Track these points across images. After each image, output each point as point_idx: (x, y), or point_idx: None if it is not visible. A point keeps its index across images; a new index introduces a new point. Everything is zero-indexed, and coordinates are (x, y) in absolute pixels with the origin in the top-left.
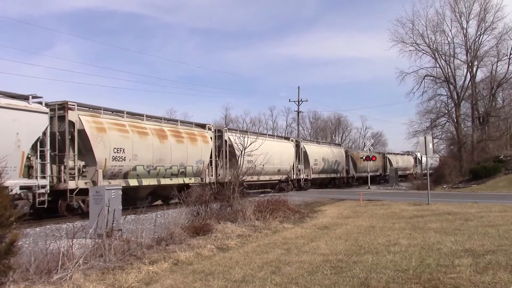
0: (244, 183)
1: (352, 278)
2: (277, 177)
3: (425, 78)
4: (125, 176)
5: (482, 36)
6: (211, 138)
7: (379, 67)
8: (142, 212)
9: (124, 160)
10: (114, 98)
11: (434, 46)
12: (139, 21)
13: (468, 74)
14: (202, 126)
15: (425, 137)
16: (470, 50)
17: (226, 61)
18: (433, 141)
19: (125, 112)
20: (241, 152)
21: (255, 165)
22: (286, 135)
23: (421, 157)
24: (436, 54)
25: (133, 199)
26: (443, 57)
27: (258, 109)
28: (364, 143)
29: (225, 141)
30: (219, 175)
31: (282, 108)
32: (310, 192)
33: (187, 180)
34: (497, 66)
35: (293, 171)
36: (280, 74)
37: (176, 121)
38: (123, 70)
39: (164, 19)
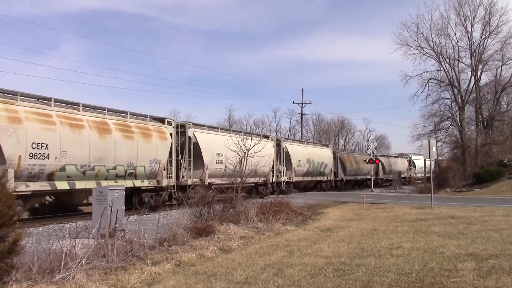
0: (212, 186)
1: (355, 281)
2: (253, 180)
3: (429, 81)
4: (50, 177)
5: (486, 39)
6: (171, 134)
7: (383, 70)
8: (145, 212)
9: (48, 158)
10: (118, 98)
11: (438, 49)
12: (143, 22)
13: (473, 77)
14: (160, 120)
15: (428, 141)
16: (474, 54)
17: (230, 63)
18: (436, 144)
19: (52, 100)
20: (245, 154)
21: (225, 166)
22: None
23: (414, 160)
24: (441, 57)
25: (69, 206)
26: (448, 61)
27: (261, 111)
28: (368, 146)
29: (189, 138)
30: (183, 177)
31: (285, 110)
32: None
33: (138, 183)
34: (501, 70)
35: (273, 173)
36: (284, 76)
37: (126, 113)
38: (127, 70)
39: (168, 20)
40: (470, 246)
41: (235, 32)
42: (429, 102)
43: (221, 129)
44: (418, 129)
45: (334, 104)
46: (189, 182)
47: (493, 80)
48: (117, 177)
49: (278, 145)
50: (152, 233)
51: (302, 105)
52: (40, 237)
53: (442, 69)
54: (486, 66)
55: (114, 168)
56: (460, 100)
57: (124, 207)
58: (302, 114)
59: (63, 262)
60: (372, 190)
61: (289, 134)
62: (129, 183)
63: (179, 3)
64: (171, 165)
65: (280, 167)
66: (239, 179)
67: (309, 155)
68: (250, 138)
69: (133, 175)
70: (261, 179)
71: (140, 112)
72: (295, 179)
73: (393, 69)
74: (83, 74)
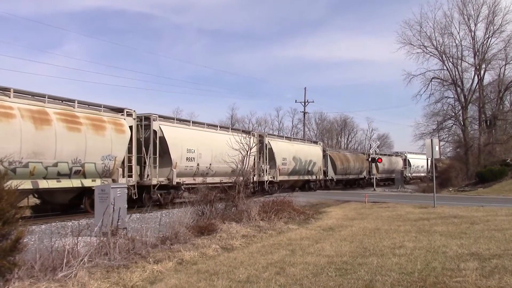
0: (182, 186)
1: (357, 280)
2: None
3: (432, 80)
4: None
5: (490, 39)
6: (131, 127)
7: (386, 69)
8: (147, 211)
9: None
10: (122, 97)
11: (441, 48)
12: (147, 21)
13: (476, 77)
14: (118, 110)
15: (431, 140)
16: (478, 53)
17: (233, 62)
18: (439, 143)
19: None
20: (247, 153)
21: (198, 164)
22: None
23: (408, 159)
24: (444, 56)
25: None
26: (451, 60)
27: (264, 110)
28: (370, 144)
29: (154, 132)
30: (148, 175)
31: (288, 109)
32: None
33: (88, 183)
34: (505, 69)
35: (254, 171)
36: (286, 75)
37: (73, 101)
38: (130, 69)
39: (172, 19)
40: (473, 246)
41: (238, 32)
42: (432, 101)
43: (193, 122)
44: (421, 128)
45: (336, 103)
46: (154, 182)
47: (496, 79)
48: (60, 175)
49: (261, 141)
50: (154, 232)
51: (304, 104)
52: (42, 235)
53: (445, 68)
54: (489, 65)
55: (55, 165)
56: (463, 99)
57: (126, 205)
58: (304, 113)
59: (65, 260)
60: (374, 189)
61: (292, 133)
62: (76, 182)
63: (183, 2)
64: (130, 162)
65: (263, 165)
66: (241, 178)
67: (296, 153)
68: (227, 133)
69: (81, 173)
70: (241, 178)
71: (93, 102)
72: (280, 178)
73: (396, 68)
74: (87, 73)
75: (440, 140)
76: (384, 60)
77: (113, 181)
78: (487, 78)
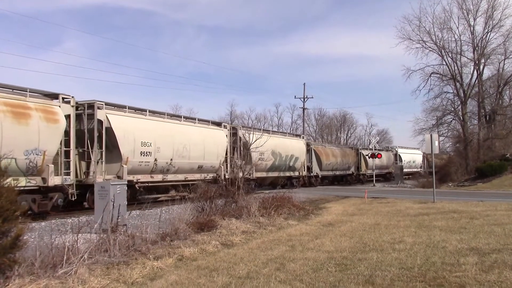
0: (136, 185)
1: (357, 276)
2: (198, 176)
3: (432, 75)
4: None
5: (489, 33)
6: (68, 116)
7: (385, 65)
8: (147, 207)
9: None
10: (122, 93)
11: (440, 43)
12: (147, 17)
13: (475, 71)
14: (52, 96)
15: (431, 135)
16: (477, 48)
17: (233, 58)
18: (439, 139)
19: None
20: (249, 146)
21: (155, 159)
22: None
23: (399, 154)
24: (443, 51)
25: None
26: (450, 55)
27: (263, 106)
28: (370, 140)
29: (100, 122)
30: (94, 173)
31: (287, 105)
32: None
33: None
34: (504, 64)
35: (225, 168)
36: (286, 71)
37: None
38: (131, 66)
39: (172, 16)
40: (473, 241)
41: (238, 28)
42: (431, 97)
43: (151, 112)
44: (420, 123)
45: (336, 99)
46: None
47: (495, 74)
48: None
49: (235, 134)
50: (154, 228)
51: (304, 99)
52: (42, 232)
53: (444, 63)
54: (488, 60)
55: None
56: (462, 94)
57: (126, 202)
58: (304, 109)
59: (65, 257)
60: (374, 185)
61: (291, 129)
62: None
63: None
64: (68, 157)
65: (237, 161)
66: (240, 174)
67: (275, 147)
68: (193, 124)
69: None
70: (209, 175)
71: (17, 85)
72: (257, 175)
73: (395, 63)
74: (87, 70)
75: (439, 135)
76: (384, 55)
77: (43, 180)
78: (486, 73)
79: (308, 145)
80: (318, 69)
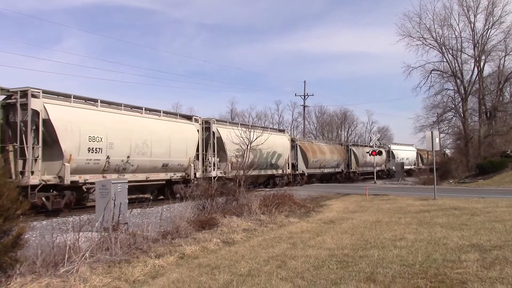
0: (84, 186)
1: (358, 273)
2: (163, 176)
3: (432, 72)
4: None
5: (490, 30)
6: None
7: (385, 62)
8: (148, 205)
9: None
10: (122, 92)
11: (441, 40)
12: (147, 16)
13: (476, 68)
14: None
15: (431, 132)
16: (477, 45)
17: (233, 56)
18: (439, 135)
19: None
20: (248, 145)
21: (107, 157)
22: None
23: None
24: (443, 48)
25: None
26: (450, 52)
27: (264, 103)
28: (370, 137)
29: (36, 112)
30: (32, 173)
31: (288, 102)
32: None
33: None
34: (504, 61)
35: (196, 166)
36: (286, 69)
37: None
38: (130, 64)
39: (172, 14)
40: (474, 237)
41: (238, 26)
42: (432, 93)
43: (104, 102)
44: (421, 120)
45: (336, 96)
46: (34, 181)
47: (496, 71)
48: None
49: (207, 129)
50: (155, 226)
51: (304, 97)
52: (43, 230)
53: (445, 60)
54: (489, 57)
55: None
56: (463, 91)
57: (127, 201)
58: (304, 106)
59: (66, 256)
60: (375, 182)
61: (292, 127)
62: None
63: None
64: None
65: (210, 158)
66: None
67: (255, 143)
68: (157, 118)
69: None
70: (177, 175)
71: None
72: (233, 173)
73: (396, 60)
74: (87, 68)
75: (440, 132)
76: (384, 52)
77: None
78: (487, 70)
79: (292, 141)
80: (319, 66)
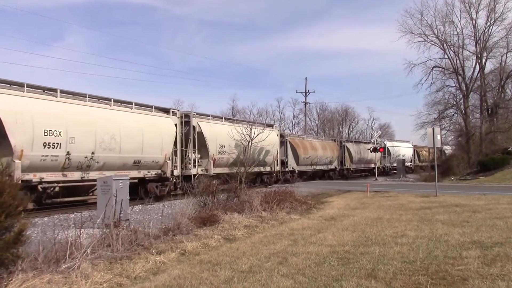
0: (41, 186)
1: (359, 270)
2: (135, 174)
3: (434, 69)
4: None
5: (491, 27)
6: None
7: (387, 59)
8: (149, 202)
9: None
10: (124, 89)
11: (442, 37)
12: (149, 13)
13: (477, 65)
14: None
15: (433, 129)
16: (479, 41)
17: (235, 53)
18: (441, 132)
19: None
20: (249, 142)
21: (67, 153)
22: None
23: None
24: (445, 45)
25: None
26: (452, 48)
27: (265, 100)
28: (371, 134)
29: None
30: None
31: (289, 99)
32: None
33: None
34: (506, 57)
35: (173, 163)
36: (288, 66)
37: None
38: (132, 61)
39: (174, 11)
40: (475, 234)
41: (239, 23)
42: (433, 90)
43: (64, 92)
44: (422, 117)
45: (338, 93)
46: None
47: (498, 68)
48: None
49: (188, 123)
50: (156, 223)
51: (305, 94)
52: (45, 227)
53: (446, 56)
54: (491, 54)
55: None
56: (464, 87)
57: (128, 197)
58: (305, 103)
59: (68, 252)
60: (376, 179)
61: (293, 123)
62: None
63: None
64: None
65: (190, 155)
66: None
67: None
68: (129, 110)
69: None
70: (152, 172)
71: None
72: (216, 171)
73: (397, 57)
74: (88, 65)
75: (441, 129)
76: (385, 49)
77: None
78: (489, 67)
79: (282, 136)
80: (320, 63)
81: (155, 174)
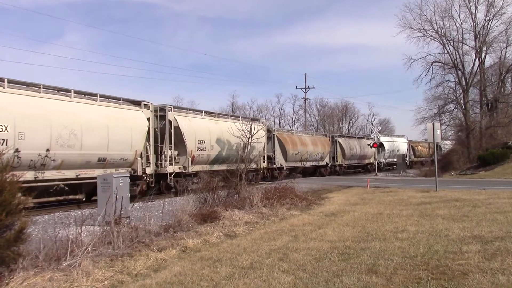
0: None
1: (360, 265)
2: (100, 172)
3: (433, 64)
4: None
5: (491, 21)
6: None
7: (386, 54)
8: (150, 199)
9: None
10: (124, 86)
11: (442, 31)
12: (149, 10)
13: (477, 60)
14: None
15: (433, 124)
16: (478, 36)
17: (235, 49)
18: (441, 127)
19: None
20: (249, 138)
21: (16, 150)
22: (292, 122)
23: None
24: (444, 40)
25: None
26: (451, 43)
27: (265, 96)
28: (371, 129)
29: None
30: None
31: (289, 95)
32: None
33: None
34: (506, 52)
35: (146, 160)
36: (288, 62)
37: None
38: (132, 58)
39: (174, 8)
40: (475, 229)
41: (240, 19)
42: (433, 85)
43: (12, 82)
44: (422, 112)
45: (337, 89)
46: None
47: (497, 62)
48: None
49: (163, 118)
50: (157, 220)
51: (305, 90)
52: (46, 225)
53: (446, 51)
54: (490, 48)
55: None
56: (464, 82)
57: (129, 194)
58: (305, 99)
59: (69, 250)
60: (376, 174)
61: (293, 119)
62: None
63: None
64: None
65: (166, 151)
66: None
67: (222, 134)
68: (93, 102)
69: None
70: (121, 171)
71: None
72: (195, 168)
73: (397, 53)
74: (89, 63)
75: (441, 124)
76: (385, 44)
77: None
78: (488, 61)
79: (269, 131)
80: (320, 59)
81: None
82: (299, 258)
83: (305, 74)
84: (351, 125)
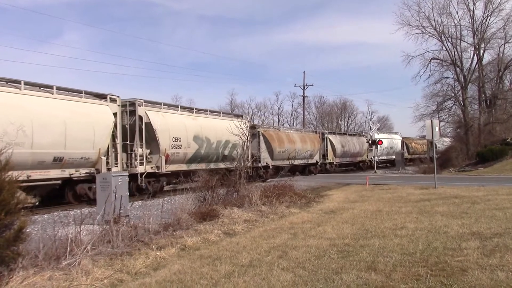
0: None
1: (359, 262)
2: (56, 173)
3: (432, 61)
4: None
5: (489, 18)
6: None
7: (385, 52)
8: (149, 198)
9: None
10: (123, 85)
11: (440, 28)
12: (148, 8)
13: (475, 56)
14: None
15: (431, 121)
16: (477, 32)
17: (233, 48)
18: (439, 124)
19: None
20: (248, 136)
21: None
22: (291, 119)
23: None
24: (443, 36)
25: None
26: (450, 40)
27: (264, 94)
28: (370, 127)
29: None
30: None
31: (288, 93)
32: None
33: None
34: (504, 48)
35: (111, 160)
36: (286, 60)
37: None
38: (131, 57)
39: (173, 6)
40: (474, 225)
41: (239, 17)
42: (431, 82)
43: None
44: (420, 109)
45: (336, 86)
46: None
47: (496, 59)
48: None
49: (133, 113)
50: (156, 218)
51: (304, 87)
52: (45, 224)
53: (444, 48)
54: (488, 45)
55: None
56: (462, 79)
57: (128, 193)
58: (303, 97)
59: (68, 249)
60: (375, 172)
61: (291, 117)
62: None
63: None
64: None
65: (137, 150)
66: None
67: (201, 130)
68: (51, 96)
69: None
70: (82, 172)
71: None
72: (170, 168)
73: (395, 50)
74: (87, 62)
75: (440, 121)
76: (383, 42)
77: None
78: (487, 58)
79: (253, 128)
80: (318, 57)
81: (87, 173)
82: (298, 255)
83: (304, 72)
84: (349, 122)
